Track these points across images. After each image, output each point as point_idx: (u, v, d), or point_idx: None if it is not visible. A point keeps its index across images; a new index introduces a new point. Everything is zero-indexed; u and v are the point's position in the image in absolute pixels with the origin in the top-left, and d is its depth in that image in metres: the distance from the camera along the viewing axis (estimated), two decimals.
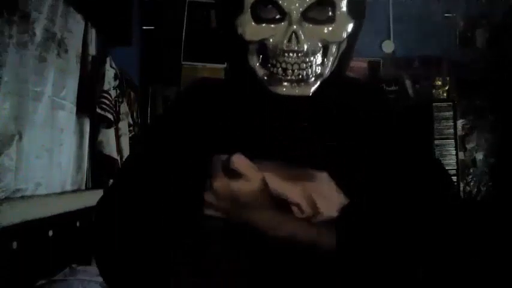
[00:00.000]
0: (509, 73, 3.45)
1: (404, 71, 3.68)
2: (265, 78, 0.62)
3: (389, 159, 0.64)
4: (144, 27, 3.29)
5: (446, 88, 3.54)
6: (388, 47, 3.69)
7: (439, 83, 3.53)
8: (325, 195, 0.54)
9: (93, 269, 1.62)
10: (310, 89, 0.61)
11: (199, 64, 3.40)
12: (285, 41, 0.59)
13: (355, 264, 0.54)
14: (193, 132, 0.65)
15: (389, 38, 3.69)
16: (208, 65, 3.35)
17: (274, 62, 0.60)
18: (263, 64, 0.62)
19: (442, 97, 3.51)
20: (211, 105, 0.68)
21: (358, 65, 3.59)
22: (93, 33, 2.10)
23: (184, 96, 0.75)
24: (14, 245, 1.29)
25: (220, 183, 0.52)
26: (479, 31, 3.72)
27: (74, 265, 1.62)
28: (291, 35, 0.58)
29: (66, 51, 1.80)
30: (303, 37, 0.59)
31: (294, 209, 0.53)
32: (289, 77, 0.60)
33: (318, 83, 0.62)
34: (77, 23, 1.92)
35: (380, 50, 3.67)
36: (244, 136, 0.64)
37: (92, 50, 2.08)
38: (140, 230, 0.55)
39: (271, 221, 0.53)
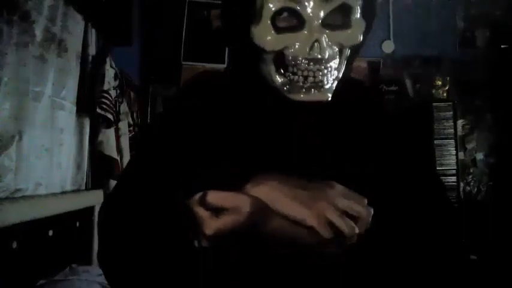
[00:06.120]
0: (509, 73, 3.45)
1: (404, 71, 3.68)
2: (285, 87, 0.60)
3: (391, 163, 0.64)
4: (144, 27, 3.29)
5: (446, 88, 3.54)
6: (388, 47, 3.68)
7: (439, 83, 3.53)
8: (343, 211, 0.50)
9: (93, 269, 1.62)
10: (328, 93, 0.60)
11: (199, 64, 3.39)
12: (307, 50, 0.57)
13: (363, 269, 0.54)
14: (194, 139, 0.63)
15: (389, 38, 3.69)
16: (208, 65, 3.35)
17: (295, 70, 0.59)
18: (280, 72, 0.60)
19: (442, 97, 3.51)
20: (214, 112, 0.66)
21: (358, 65, 3.58)
22: (93, 33, 2.09)
23: (182, 100, 0.72)
24: (14, 245, 1.29)
25: (213, 228, 0.48)
26: (479, 31, 3.72)
27: (74, 265, 1.62)
28: (313, 44, 0.57)
29: (66, 51, 1.80)
30: (324, 45, 0.57)
31: (308, 232, 0.50)
32: (308, 84, 0.59)
33: (334, 86, 0.61)
34: (77, 23, 1.92)
35: (380, 50, 3.67)
36: (259, 144, 0.62)
37: (92, 50, 2.07)
38: (144, 233, 0.54)
39: (272, 235, 0.51)
